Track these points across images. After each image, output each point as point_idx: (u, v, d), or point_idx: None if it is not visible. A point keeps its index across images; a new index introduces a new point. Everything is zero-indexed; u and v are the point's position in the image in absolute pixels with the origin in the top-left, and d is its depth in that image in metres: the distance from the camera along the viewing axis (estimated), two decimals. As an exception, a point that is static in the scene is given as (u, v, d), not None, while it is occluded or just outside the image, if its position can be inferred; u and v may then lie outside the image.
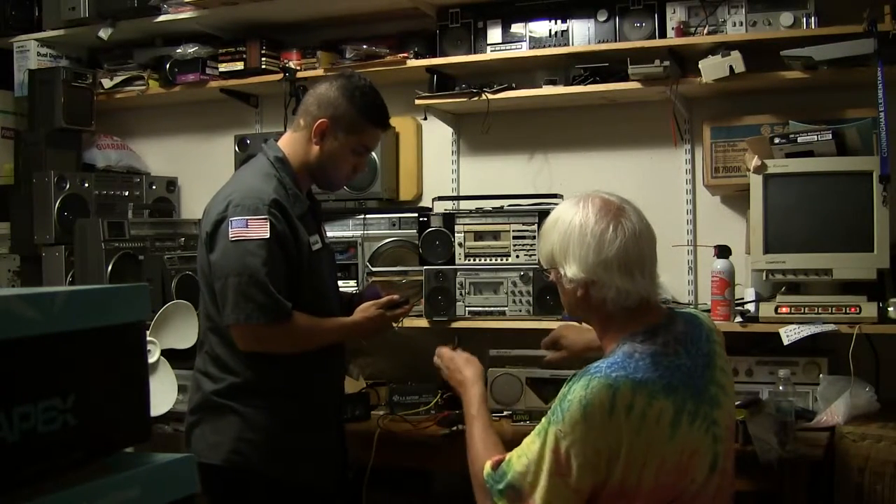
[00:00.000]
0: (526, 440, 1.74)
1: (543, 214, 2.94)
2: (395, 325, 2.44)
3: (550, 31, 3.19)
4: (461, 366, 2.09)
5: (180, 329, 2.75)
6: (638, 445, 1.64)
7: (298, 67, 3.42)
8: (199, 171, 3.89)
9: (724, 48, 2.86)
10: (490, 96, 3.17)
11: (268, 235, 2.15)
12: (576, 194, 1.84)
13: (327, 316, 2.30)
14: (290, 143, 2.35)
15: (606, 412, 1.63)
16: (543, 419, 1.71)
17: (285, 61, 3.45)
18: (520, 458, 1.72)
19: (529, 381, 2.56)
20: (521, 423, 2.73)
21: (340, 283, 2.78)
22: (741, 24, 2.89)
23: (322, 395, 2.35)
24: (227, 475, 2.20)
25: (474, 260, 3.03)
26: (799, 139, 2.71)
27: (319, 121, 2.28)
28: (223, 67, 3.58)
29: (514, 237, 2.99)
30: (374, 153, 3.33)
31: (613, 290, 1.72)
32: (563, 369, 2.43)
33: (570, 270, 1.75)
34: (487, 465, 1.79)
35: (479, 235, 3.04)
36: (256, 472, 2.22)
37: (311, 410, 2.30)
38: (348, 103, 2.28)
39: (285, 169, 2.30)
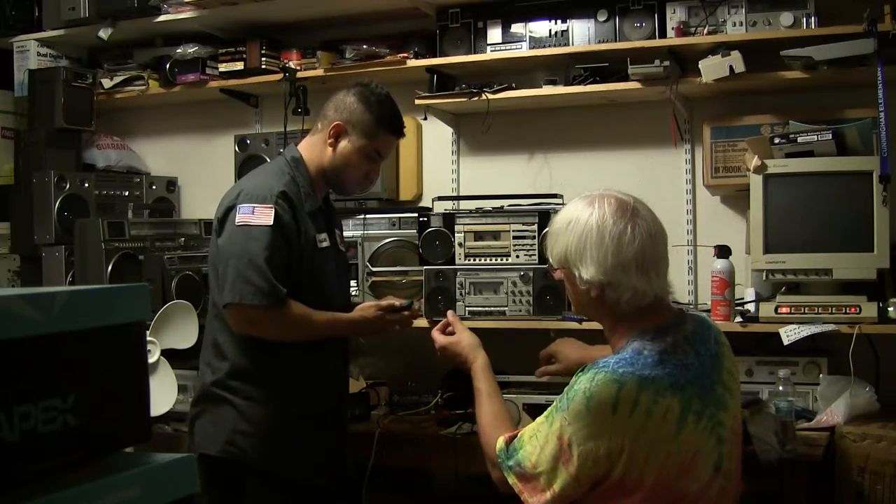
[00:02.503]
0: (538, 420, 1.77)
1: (543, 214, 2.95)
2: (397, 328, 2.48)
3: (550, 31, 3.19)
4: (457, 350, 2.12)
5: (180, 329, 2.75)
6: (642, 441, 1.65)
7: (298, 67, 3.42)
8: (199, 171, 3.89)
9: (724, 48, 2.86)
10: (490, 96, 3.17)
11: (271, 223, 2.23)
12: (586, 193, 1.83)
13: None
14: (307, 145, 2.44)
15: (610, 408, 1.64)
16: (555, 401, 1.74)
17: (285, 61, 3.45)
18: (531, 439, 1.76)
19: (527, 407, 2.58)
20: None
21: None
22: (741, 24, 2.89)
23: (320, 393, 2.37)
24: (222, 466, 2.26)
25: (474, 260, 3.03)
26: (799, 139, 2.71)
27: (335, 123, 2.38)
28: (223, 67, 3.58)
29: (514, 237, 2.99)
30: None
31: (630, 291, 1.73)
32: (556, 383, 2.47)
33: (587, 272, 1.74)
34: (500, 441, 1.82)
35: (479, 235, 3.04)
36: (250, 464, 2.27)
37: (307, 407, 2.33)
38: (364, 108, 2.37)
39: (300, 168, 2.39)
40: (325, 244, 2.38)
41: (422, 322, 3.02)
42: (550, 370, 2.30)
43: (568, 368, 2.22)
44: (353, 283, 3.24)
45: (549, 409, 1.75)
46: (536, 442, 1.73)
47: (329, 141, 2.38)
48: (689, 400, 1.69)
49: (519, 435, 1.80)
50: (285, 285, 2.23)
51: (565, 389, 1.72)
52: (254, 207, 2.25)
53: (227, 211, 2.30)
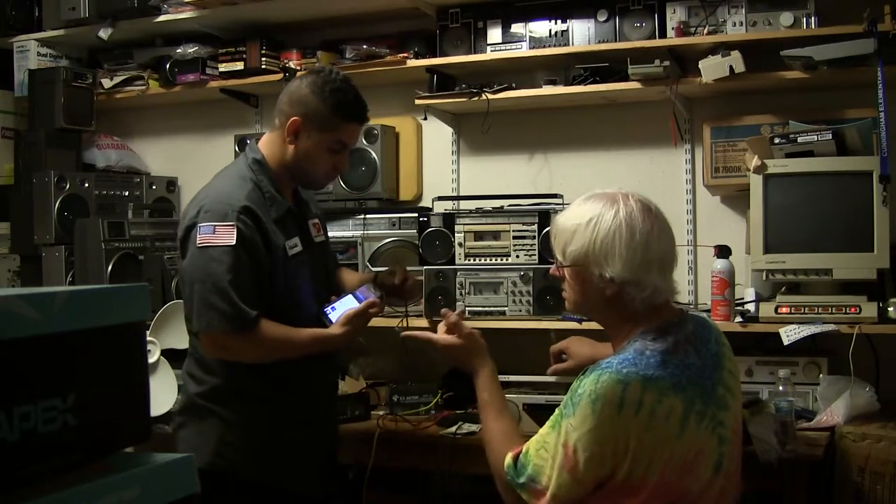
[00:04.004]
0: (542, 431, 1.76)
1: (543, 214, 2.95)
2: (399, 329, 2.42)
3: (550, 31, 3.19)
4: (462, 355, 2.06)
5: (180, 329, 2.73)
6: (646, 441, 1.65)
7: (298, 67, 3.42)
8: (199, 171, 3.85)
9: (724, 48, 2.86)
10: (490, 96, 3.17)
11: (234, 242, 2.11)
12: (598, 192, 1.81)
13: (303, 323, 2.23)
14: (267, 143, 2.31)
15: (616, 408, 1.64)
16: (557, 410, 1.73)
17: (285, 61, 3.45)
18: (538, 451, 1.75)
19: (527, 407, 2.59)
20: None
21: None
22: (741, 24, 2.89)
23: (309, 400, 2.31)
24: (210, 479, 2.16)
25: (474, 260, 3.03)
26: (799, 139, 2.71)
27: (291, 119, 2.24)
28: (223, 67, 3.58)
29: (514, 237, 2.99)
30: (373, 153, 3.36)
31: (650, 290, 1.73)
32: (556, 383, 2.47)
33: (612, 270, 1.72)
34: (508, 458, 1.81)
35: (479, 235, 3.04)
36: (238, 475, 2.21)
37: (294, 414, 2.27)
38: (318, 100, 2.23)
39: (263, 171, 2.27)
40: (295, 249, 2.26)
41: (422, 322, 3.02)
42: (562, 368, 2.26)
43: (580, 365, 2.19)
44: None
45: (553, 416, 1.74)
46: (546, 454, 1.72)
47: (288, 139, 2.24)
48: (691, 400, 1.69)
49: (524, 450, 1.78)
50: (256, 306, 2.12)
51: (568, 394, 1.72)
52: (214, 226, 2.12)
53: (188, 230, 2.17)
